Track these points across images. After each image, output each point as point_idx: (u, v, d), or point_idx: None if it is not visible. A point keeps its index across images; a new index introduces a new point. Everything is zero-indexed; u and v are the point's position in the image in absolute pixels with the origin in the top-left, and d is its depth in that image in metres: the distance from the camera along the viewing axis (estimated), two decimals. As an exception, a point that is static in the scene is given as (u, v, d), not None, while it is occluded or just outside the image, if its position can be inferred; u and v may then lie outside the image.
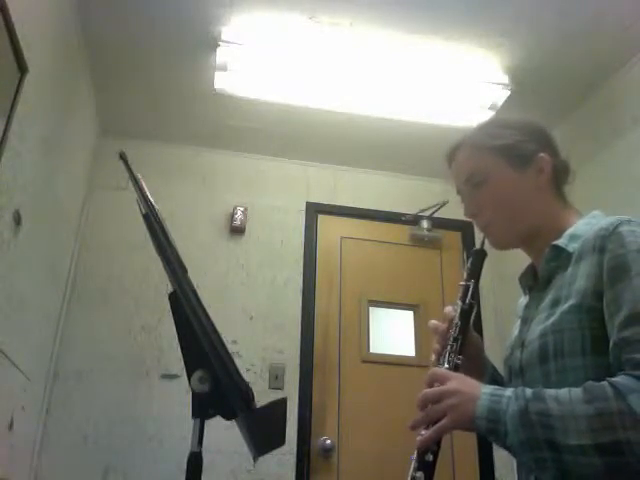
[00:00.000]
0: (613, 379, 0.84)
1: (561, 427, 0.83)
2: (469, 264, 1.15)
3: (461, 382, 0.94)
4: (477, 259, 1.14)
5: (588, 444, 0.81)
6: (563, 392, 0.87)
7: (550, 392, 0.87)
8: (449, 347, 1.05)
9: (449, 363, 1.03)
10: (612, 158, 2.62)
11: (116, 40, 2.63)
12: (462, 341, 1.05)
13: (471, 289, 1.11)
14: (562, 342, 0.93)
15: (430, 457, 0.94)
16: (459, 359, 1.03)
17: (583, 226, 1.04)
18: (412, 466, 0.96)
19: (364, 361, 3.11)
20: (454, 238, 3.43)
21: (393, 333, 3.38)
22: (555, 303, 0.99)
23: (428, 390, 0.95)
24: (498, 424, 0.87)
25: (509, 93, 2.73)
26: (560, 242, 1.03)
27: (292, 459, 2.83)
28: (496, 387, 0.93)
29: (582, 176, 2.82)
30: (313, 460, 2.86)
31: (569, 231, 1.04)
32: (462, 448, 2.95)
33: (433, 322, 1.11)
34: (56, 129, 2.48)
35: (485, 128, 1.17)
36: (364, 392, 3.03)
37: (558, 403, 0.85)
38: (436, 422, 0.92)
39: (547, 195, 1.10)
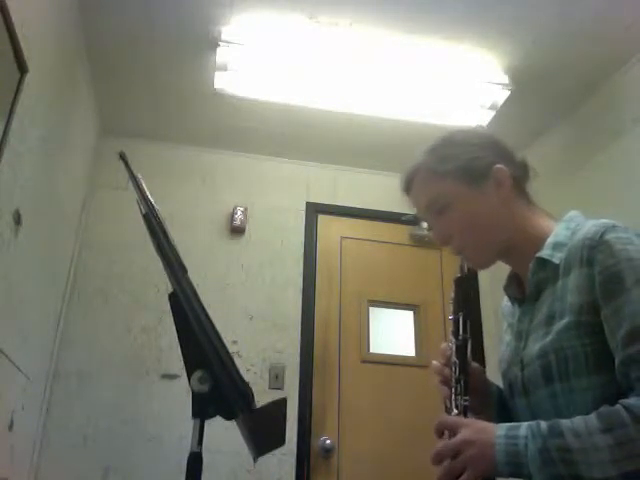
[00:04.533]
0: (627, 402, 0.83)
1: (584, 461, 0.82)
2: (453, 295, 1.12)
3: (474, 429, 0.91)
4: (460, 288, 1.12)
5: (614, 475, 0.80)
6: (579, 422, 0.85)
7: (566, 424, 0.86)
8: (454, 389, 1.02)
9: (457, 407, 1.00)
10: (612, 158, 2.62)
11: (116, 40, 2.63)
12: (465, 380, 1.03)
13: (461, 322, 1.08)
14: (566, 362, 0.92)
15: None
16: (466, 400, 1.01)
17: (563, 231, 1.01)
18: None
19: (364, 361, 3.11)
20: (454, 238, 3.43)
21: (393, 333, 3.38)
22: (550, 319, 0.97)
23: (442, 445, 0.92)
24: (521, 467, 0.86)
25: (509, 93, 2.73)
26: (544, 253, 1.00)
27: (292, 459, 2.82)
28: (510, 426, 0.90)
29: (581, 176, 2.83)
30: (313, 460, 2.86)
31: (550, 239, 1.01)
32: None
33: (435, 364, 1.09)
34: (56, 129, 2.48)
35: (434, 152, 1.11)
36: (364, 392, 3.03)
37: (576, 436, 0.83)
38: (458, 476, 0.89)
39: (512, 205, 1.07)
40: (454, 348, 1.06)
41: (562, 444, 0.84)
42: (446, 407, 1.02)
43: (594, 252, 0.92)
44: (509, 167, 1.07)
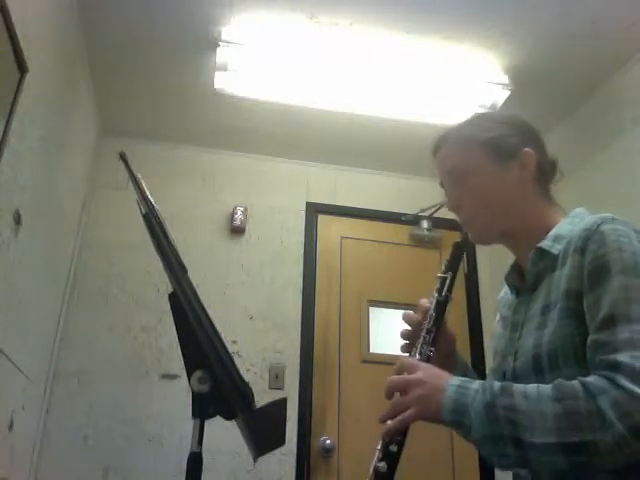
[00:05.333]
0: (584, 379, 0.83)
1: (527, 424, 0.82)
2: (448, 256, 1.15)
3: (429, 372, 0.92)
4: (456, 252, 1.15)
5: (553, 442, 0.79)
6: (532, 388, 0.85)
7: (519, 387, 0.86)
8: (422, 338, 1.04)
9: (421, 354, 1.02)
10: (612, 158, 2.62)
11: (116, 40, 2.63)
12: (435, 333, 1.05)
13: (448, 281, 1.11)
14: (556, 353, 0.92)
15: (394, 448, 0.93)
16: (431, 351, 1.02)
17: (567, 226, 1.02)
18: (376, 456, 0.94)
19: (364, 361, 3.11)
20: (454, 238, 3.40)
21: (393, 333, 3.36)
22: (545, 310, 0.97)
23: (394, 377, 0.93)
24: (463, 417, 0.86)
25: (509, 93, 2.73)
26: (544, 244, 1.01)
27: (292, 459, 2.83)
28: (464, 379, 0.91)
29: (581, 176, 2.83)
30: (313, 460, 2.86)
31: (552, 232, 1.02)
32: (462, 449, 2.94)
33: (407, 312, 1.11)
34: (56, 129, 2.48)
35: (470, 122, 1.15)
36: (364, 392, 3.02)
37: (526, 399, 0.84)
38: (401, 412, 0.90)
39: (530, 191, 1.08)
40: (434, 302, 1.08)
41: (509, 403, 0.84)
42: (409, 353, 1.05)
43: (588, 242, 0.92)
44: (538, 155, 1.09)
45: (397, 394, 0.93)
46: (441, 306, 1.08)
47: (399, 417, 0.90)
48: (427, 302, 1.10)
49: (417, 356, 1.02)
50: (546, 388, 0.84)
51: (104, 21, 2.53)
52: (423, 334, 1.04)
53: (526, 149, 1.07)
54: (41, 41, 2.12)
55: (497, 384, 0.87)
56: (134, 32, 2.58)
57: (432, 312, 1.07)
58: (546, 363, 0.93)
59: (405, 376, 0.93)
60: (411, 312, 1.11)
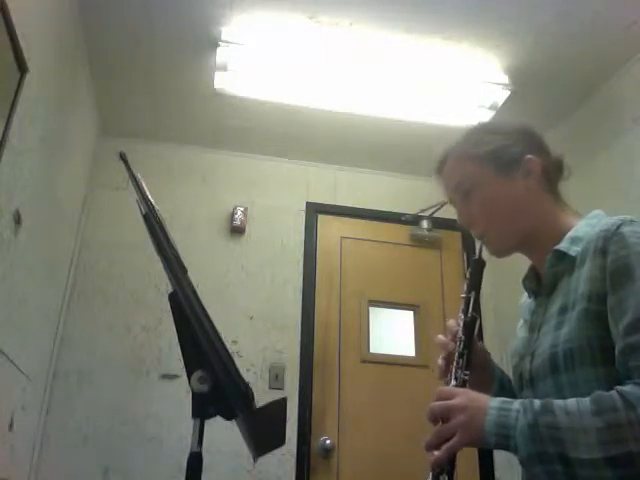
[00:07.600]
0: (622, 388, 0.83)
1: (571, 440, 0.82)
2: (468, 275, 1.14)
3: (468, 397, 0.93)
4: (476, 269, 1.13)
5: (599, 457, 0.80)
6: (571, 403, 0.85)
7: (559, 403, 0.86)
8: (455, 363, 1.03)
9: (456, 380, 1.02)
10: (612, 158, 2.62)
11: (116, 40, 2.63)
12: (468, 356, 1.04)
13: (472, 301, 1.09)
14: (572, 353, 0.92)
15: (445, 478, 0.93)
16: (466, 374, 1.02)
17: (584, 227, 1.02)
18: None
19: (364, 361, 3.11)
20: (454, 238, 3.43)
21: (393, 333, 3.38)
22: (563, 310, 0.97)
23: (435, 404, 0.94)
24: (508, 439, 0.86)
25: (509, 93, 2.73)
26: (562, 246, 1.01)
27: (292, 459, 2.82)
28: (504, 400, 0.91)
29: (582, 176, 2.82)
30: (313, 460, 2.86)
31: (570, 234, 1.02)
32: (462, 449, 2.94)
33: (441, 338, 1.10)
34: (56, 129, 2.48)
35: (469, 137, 1.15)
36: (364, 392, 3.03)
37: (567, 415, 0.84)
38: (446, 440, 0.91)
39: (540, 196, 1.08)
40: (461, 324, 1.07)
41: (552, 421, 0.84)
42: (445, 381, 1.04)
43: (608, 243, 0.92)
44: (542, 160, 1.09)
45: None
46: (469, 327, 1.07)
47: (445, 447, 0.90)
48: (455, 324, 1.09)
49: (453, 382, 1.01)
50: (585, 402, 0.84)
51: (104, 21, 2.53)
52: (456, 359, 1.04)
53: (528, 156, 1.07)
54: (41, 41, 2.12)
55: (537, 402, 0.87)
56: (134, 32, 2.58)
57: (461, 335, 1.06)
58: (562, 362, 0.93)
59: (446, 402, 0.93)
60: (442, 337, 1.10)
